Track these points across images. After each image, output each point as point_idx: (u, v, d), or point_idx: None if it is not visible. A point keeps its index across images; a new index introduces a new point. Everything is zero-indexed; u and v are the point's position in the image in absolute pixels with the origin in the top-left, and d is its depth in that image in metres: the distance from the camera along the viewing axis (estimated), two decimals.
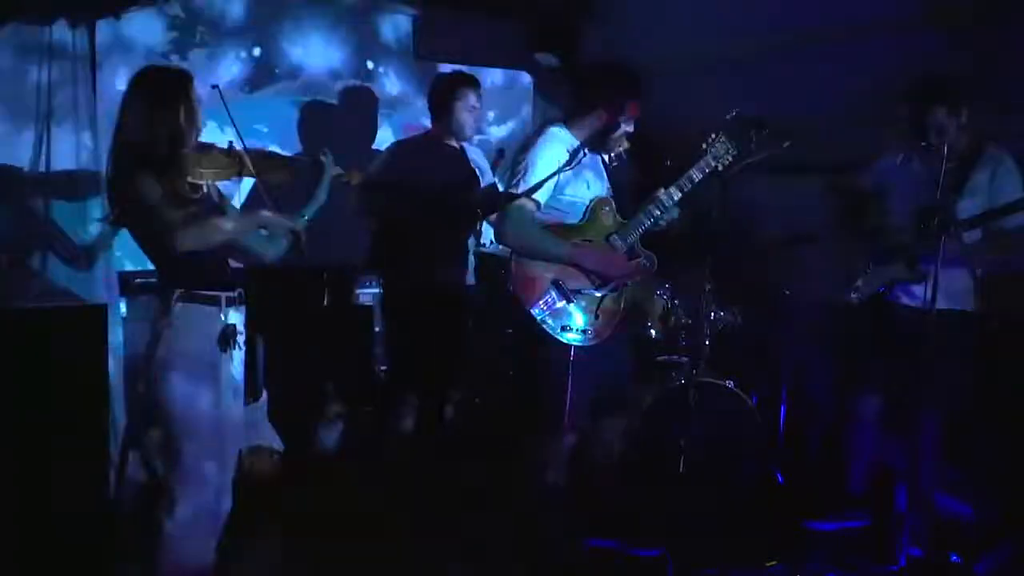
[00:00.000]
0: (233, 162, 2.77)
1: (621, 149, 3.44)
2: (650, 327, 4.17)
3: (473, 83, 4.16)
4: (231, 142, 2.80)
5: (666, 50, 4.46)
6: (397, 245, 4.11)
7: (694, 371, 3.73)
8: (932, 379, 3.16)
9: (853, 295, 3.62)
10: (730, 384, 3.93)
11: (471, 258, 4.37)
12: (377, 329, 4.71)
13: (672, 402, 3.83)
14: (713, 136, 3.32)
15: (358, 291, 4.84)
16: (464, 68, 4.35)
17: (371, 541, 3.54)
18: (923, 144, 3.45)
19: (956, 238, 3.18)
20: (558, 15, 5.12)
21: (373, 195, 4.06)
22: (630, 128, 3.39)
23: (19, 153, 3.68)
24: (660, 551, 3.29)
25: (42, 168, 3.69)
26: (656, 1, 4.68)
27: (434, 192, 4.01)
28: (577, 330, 3.28)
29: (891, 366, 3.58)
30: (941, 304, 3.13)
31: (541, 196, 3.26)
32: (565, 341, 3.26)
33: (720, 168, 3.31)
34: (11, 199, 3.68)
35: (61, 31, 3.68)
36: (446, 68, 4.52)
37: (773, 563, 3.42)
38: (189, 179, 2.67)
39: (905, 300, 3.54)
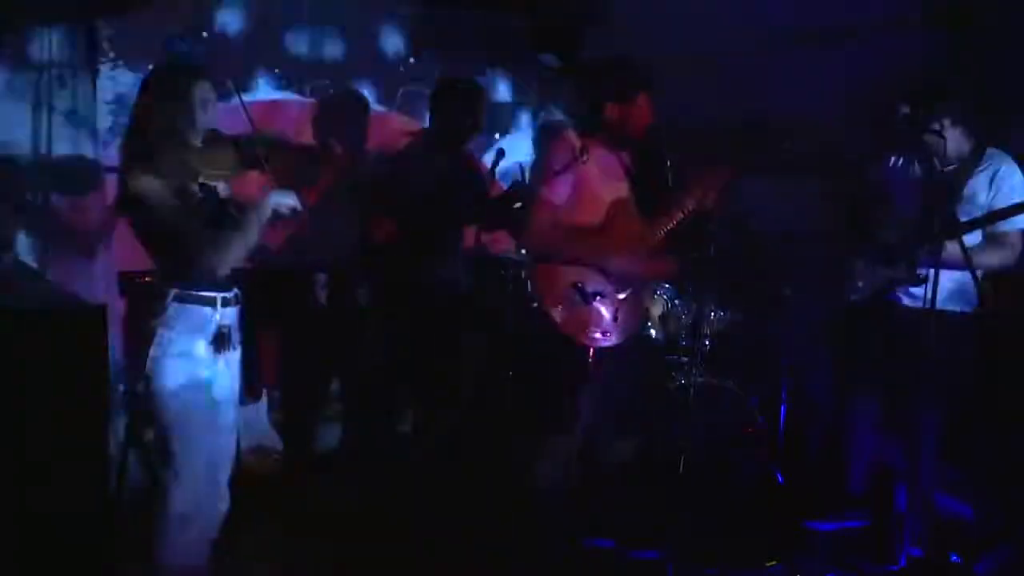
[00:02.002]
0: (243, 155, 2.73)
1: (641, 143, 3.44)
2: (650, 327, 4.17)
3: (473, 87, 4.16)
4: (248, 136, 2.75)
5: (666, 50, 4.46)
6: (392, 246, 4.10)
7: (694, 371, 3.73)
8: (932, 379, 3.16)
9: (854, 296, 3.61)
10: (730, 384, 3.93)
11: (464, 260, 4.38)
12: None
13: (672, 402, 3.83)
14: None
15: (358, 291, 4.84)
16: (464, 69, 4.35)
17: (370, 541, 3.54)
18: (923, 145, 3.45)
19: (956, 239, 3.17)
20: (559, 15, 5.11)
21: (370, 195, 4.06)
22: (646, 122, 3.38)
23: (19, 153, 3.68)
24: (660, 551, 3.29)
25: (42, 167, 3.69)
26: (657, 1, 4.68)
27: (431, 193, 4.01)
28: (598, 332, 3.28)
29: (891, 367, 3.58)
30: (941, 305, 3.13)
31: (559, 198, 3.26)
32: (585, 343, 3.26)
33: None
34: (11, 199, 3.68)
35: (61, 31, 3.69)
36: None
37: (773, 563, 3.42)
38: (200, 179, 2.66)
39: (905, 301, 3.54)
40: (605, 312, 3.31)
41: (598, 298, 3.30)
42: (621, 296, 3.34)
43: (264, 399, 4.30)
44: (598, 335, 3.28)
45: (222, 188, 2.79)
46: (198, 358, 2.69)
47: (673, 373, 4.03)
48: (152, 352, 2.65)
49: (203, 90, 2.70)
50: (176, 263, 2.67)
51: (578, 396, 3.26)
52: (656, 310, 4.18)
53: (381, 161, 4.23)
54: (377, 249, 4.17)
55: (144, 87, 2.72)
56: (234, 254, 2.67)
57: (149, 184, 2.57)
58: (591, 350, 3.27)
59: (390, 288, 4.20)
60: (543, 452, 3.41)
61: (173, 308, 2.66)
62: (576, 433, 3.32)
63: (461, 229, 4.31)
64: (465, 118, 4.12)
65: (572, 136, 3.34)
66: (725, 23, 4.43)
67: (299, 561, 3.49)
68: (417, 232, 4.03)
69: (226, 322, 2.74)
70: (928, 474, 3.53)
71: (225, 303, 2.75)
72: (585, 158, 3.27)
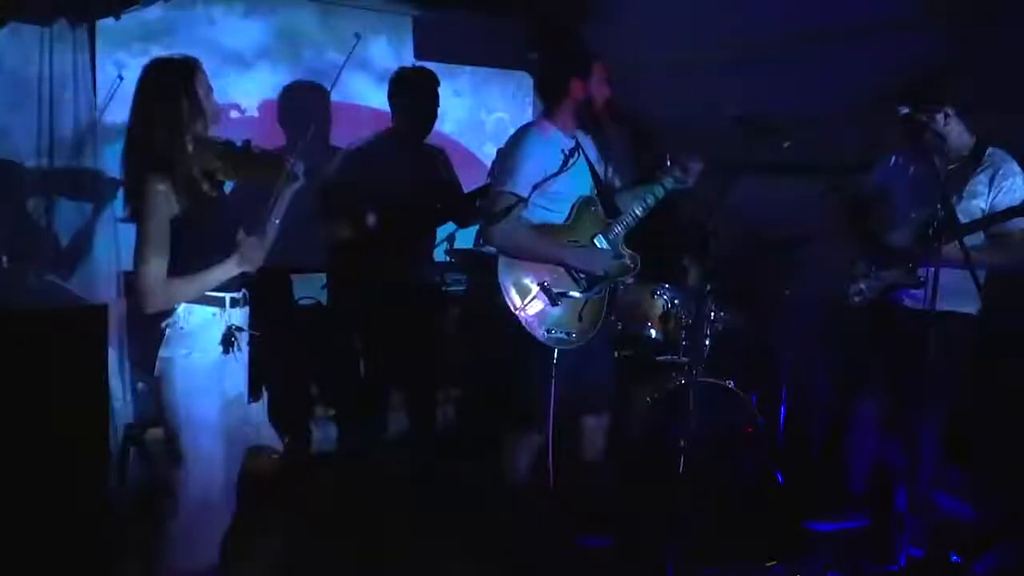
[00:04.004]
0: (248, 161, 2.71)
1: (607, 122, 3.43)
2: (650, 327, 4.17)
3: (433, 78, 4.14)
4: (246, 140, 2.73)
5: (666, 49, 4.46)
6: (360, 244, 4.05)
7: (694, 371, 3.73)
8: (933, 380, 3.15)
9: (855, 297, 3.61)
10: (730, 384, 3.93)
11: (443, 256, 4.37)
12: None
13: (672, 402, 3.83)
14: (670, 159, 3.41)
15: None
16: (464, 68, 4.35)
17: (370, 541, 3.54)
18: (923, 145, 3.45)
19: (957, 240, 3.17)
20: (557, 15, 5.12)
21: (334, 195, 4.02)
22: (606, 93, 3.36)
23: (19, 153, 3.68)
24: (660, 551, 3.29)
25: (43, 168, 3.70)
26: (656, 1, 4.68)
27: (397, 190, 3.98)
28: (561, 332, 3.27)
29: (892, 367, 3.58)
30: (941, 306, 3.12)
31: (525, 193, 3.23)
32: (549, 343, 3.25)
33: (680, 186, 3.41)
34: (12, 199, 3.69)
35: (61, 30, 3.68)
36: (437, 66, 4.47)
37: (773, 563, 3.42)
38: (209, 174, 2.65)
39: (907, 302, 3.53)
40: (570, 312, 3.30)
41: (563, 298, 3.28)
42: (586, 296, 3.32)
43: (264, 399, 4.29)
44: (561, 335, 3.27)
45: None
46: (207, 359, 2.68)
47: (673, 373, 4.04)
48: (161, 353, 2.64)
49: (197, 82, 2.65)
50: (184, 266, 2.65)
51: (546, 396, 3.23)
52: (656, 310, 4.19)
53: (346, 159, 4.16)
54: (350, 249, 4.14)
55: (137, 85, 2.66)
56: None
57: (157, 182, 2.55)
58: (555, 350, 3.25)
59: (365, 288, 4.16)
60: (513, 451, 3.40)
61: (182, 309, 2.65)
62: (543, 433, 3.29)
63: (432, 225, 4.28)
64: (424, 108, 4.10)
65: (555, 131, 3.32)
66: (725, 23, 4.43)
67: (299, 561, 3.49)
68: (387, 230, 3.99)
69: (234, 323, 2.74)
70: (928, 474, 3.52)
71: (233, 303, 2.75)
72: (577, 159, 3.27)
